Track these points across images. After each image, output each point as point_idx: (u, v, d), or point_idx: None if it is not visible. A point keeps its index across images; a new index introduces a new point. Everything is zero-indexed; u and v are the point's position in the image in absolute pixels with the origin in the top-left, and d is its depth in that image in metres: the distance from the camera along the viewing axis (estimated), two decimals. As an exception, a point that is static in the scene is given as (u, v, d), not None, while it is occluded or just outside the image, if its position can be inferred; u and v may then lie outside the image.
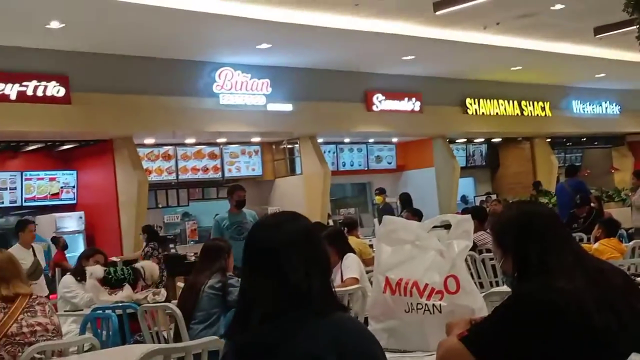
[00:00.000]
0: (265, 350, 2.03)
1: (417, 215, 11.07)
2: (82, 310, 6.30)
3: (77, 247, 12.77)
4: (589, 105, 20.10)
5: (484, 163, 19.79)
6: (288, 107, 14.15)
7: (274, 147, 15.69)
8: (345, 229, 8.84)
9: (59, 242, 12.03)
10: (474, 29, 13.28)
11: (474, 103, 17.38)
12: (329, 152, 16.25)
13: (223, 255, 5.49)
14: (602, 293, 2.35)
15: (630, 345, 2.25)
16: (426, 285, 3.03)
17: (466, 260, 3.12)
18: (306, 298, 2.05)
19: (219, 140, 14.68)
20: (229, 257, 5.51)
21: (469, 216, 3.27)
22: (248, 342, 2.07)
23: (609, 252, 6.83)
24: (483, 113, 17.50)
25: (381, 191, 14.41)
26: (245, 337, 2.08)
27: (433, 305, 2.99)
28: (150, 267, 7.05)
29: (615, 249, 7.06)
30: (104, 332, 5.26)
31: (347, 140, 16.68)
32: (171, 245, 12.72)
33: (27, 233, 8.99)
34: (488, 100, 17.62)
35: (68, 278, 6.88)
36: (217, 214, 9.32)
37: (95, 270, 6.58)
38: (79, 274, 6.81)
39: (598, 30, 13.91)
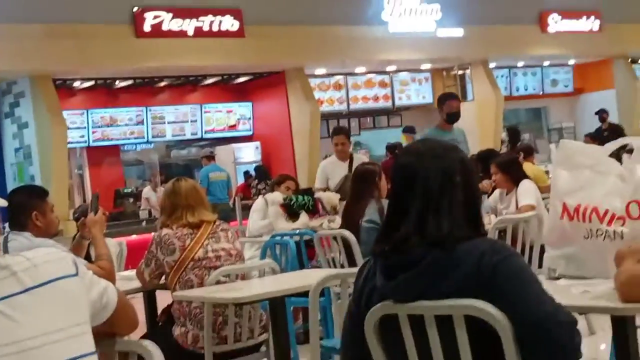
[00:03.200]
0: (405, 263, 2.10)
1: (597, 140, 10.63)
2: (261, 236, 6.58)
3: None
4: None
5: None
6: (459, 32, 13.85)
7: (444, 73, 15.46)
8: (521, 154, 8.62)
9: (247, 176, 12.81)
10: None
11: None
12: (502, 76, 15.84)
13: (374, 180, 5.45)
14: None
15: None
16: (606, 211, 2.93)
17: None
18: (447, 224, 2.10)
19: (388, 69, 14.65)
20: (380, 180, 5.45)
21: (652, 138, 3.12)
22: (390, 254, 2.14)
23: None
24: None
25: (407, 130, 13.29)
26: (388, 246, 2.15)
27: (614, 231, 2.89)
28: (328, 197, 7.20)
29: None
30: (283, 258, 5.46)
31: (520, 64, 16.17)
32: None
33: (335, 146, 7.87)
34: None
35: (259, 202, 7.16)
36: (423, 132, 7.94)
37: (275, 197, 6.82)
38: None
39: None
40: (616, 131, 12.64)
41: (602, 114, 14.22)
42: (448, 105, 7.19)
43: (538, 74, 16.61)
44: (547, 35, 15.03)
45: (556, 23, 15.08)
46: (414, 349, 2.12)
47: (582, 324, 5.13)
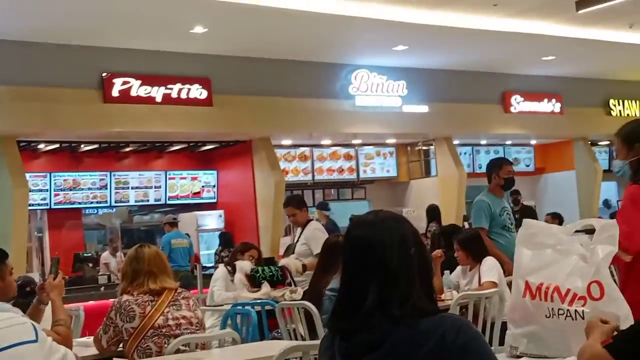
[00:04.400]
0: (370, 344, 2.06)
1: (557, 219, 10.72)
2: (222, 305, 6.51)
3: (215, 245, 13.22)
4: None
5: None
6: (424, 108, 14.09)
7: (409, 148, 15.65)
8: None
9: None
10: (619, 28, 12.81)
11: (618, 104, 16.73)
12: (465, 153, 16.03)
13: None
14: None
15: None
16: (568, 290, 2.95)
17: (610, 267, 3.02)
18: (408, 298, 2.07)
19: (354, 142, 14.78)
20: None
21: (614, 221, 3.17)
22: (352, 333, 2.10)
23: None
24: (628, 114, 16.80)
25: (321, 206, 12.89)
26: (350, 326, 2.11)
27: (575, 311, 2.91)
28: (292, 262, 7.16)
29: None
30: (244, 328, 5.40)
31: (483, 142, 16.42)
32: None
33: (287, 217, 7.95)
34: (634, 102, 16.93)
35: (220, 270, 7.12)
36: (478, 198, 6.81)
37: (244, 266, 6.77)
38: (232, 266, 7.05)
39: None
40: (528, 213, 12.77)
41: (515, 195, 14.32)
42: (505, 170, 6.68)
43: (500, 152, 16.83)
44: (509, 115, 15.33)
45: (518, 104, 15.41)
46: None
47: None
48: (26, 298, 4.52)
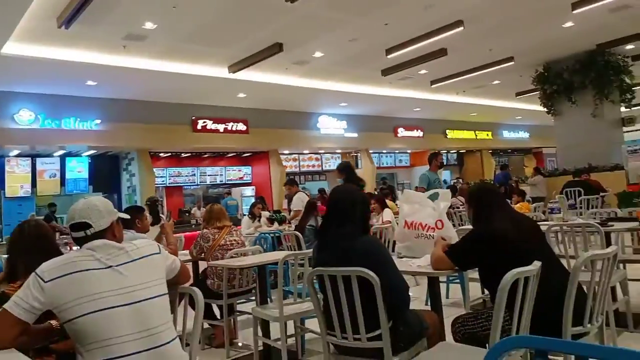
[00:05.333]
0: (330, 250, 2.09)
1: (423, 190, 10.58)
2: (254, 234, 6.46)
3: (249, 203, 13.05)
4: (512, 132, 19.16)
5: (455, 163, 19.17)
6: (355, 135, 14.06)
7: (347, 155, 15.60)
8: (389, 193, 8.63)
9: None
10: (452, 94, 12.88)
11: (451, 132, 16.84)
12: (375, 157, 16.00)
13: (316, 207, 5.45)
14: (520, 229, 2.27)
15: (534, 257, 2.16)
16: (426, 224, 2.98)
17: (447, 213, 3.05)
18: (356, 226, 2.10)
19: (320, 151, 14.72)
20: (317, 207, 5.43)
21: (448, 190, 3.20)
22: (326, 240, 2.13)
23: (524, 209, 6.54)
24: (456, 137, 16.94)
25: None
26: (322, 240, 2.15)
27: (430, 235, 2.95)
28: (286, 214, 7.12)
29: (526, 208, 6.76)
30: (264, 245, 5.36)
31: (384, 151, 16.43)
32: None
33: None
34: (459, 131, 17.02)
35: (245, 218, 7.06)
36: (422, 173, 6.35)
37: (266, 214, 6.74)
38: (252, 215, 6.99)
39: (518, 94, 13.26)
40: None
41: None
42: (440, 158, 6.10)
43: (393, 156, 16.89)
44: (397, 137, 15.35)
45: (402, 132, 15.43)
46: (331, 292, 2.10)
47: (413, 280, 5.16)
48: (158, 208, 4.43)
